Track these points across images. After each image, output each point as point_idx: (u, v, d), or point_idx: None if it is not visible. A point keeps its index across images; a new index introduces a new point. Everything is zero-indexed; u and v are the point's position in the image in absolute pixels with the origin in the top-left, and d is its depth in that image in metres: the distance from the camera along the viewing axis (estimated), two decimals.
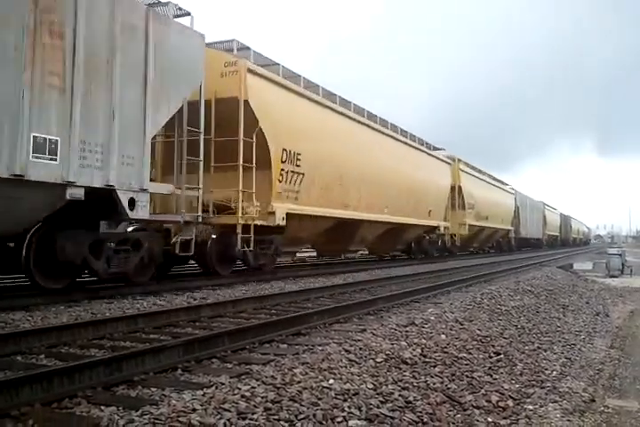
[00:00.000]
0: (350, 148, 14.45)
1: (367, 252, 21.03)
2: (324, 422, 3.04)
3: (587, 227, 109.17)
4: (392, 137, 17.70)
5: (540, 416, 3.93)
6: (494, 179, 33.44)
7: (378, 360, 4.27)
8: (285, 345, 5.27)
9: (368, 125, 16.01)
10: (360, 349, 4.46)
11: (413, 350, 4.73)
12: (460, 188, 24.33)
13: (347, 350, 4.34)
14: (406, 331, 5.38)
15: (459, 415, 3.72)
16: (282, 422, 2.92)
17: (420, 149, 20.28)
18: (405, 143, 18.88)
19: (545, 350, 6.14)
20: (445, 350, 5.00)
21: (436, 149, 22.97)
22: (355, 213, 14.59)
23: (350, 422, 3.12)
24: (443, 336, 5.43)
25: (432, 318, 6.20)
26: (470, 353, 5.17)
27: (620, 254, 19.24)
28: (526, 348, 6.04)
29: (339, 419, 3.12)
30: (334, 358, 4.08)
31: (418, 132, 22.98)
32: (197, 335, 5.11)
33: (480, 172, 29.55)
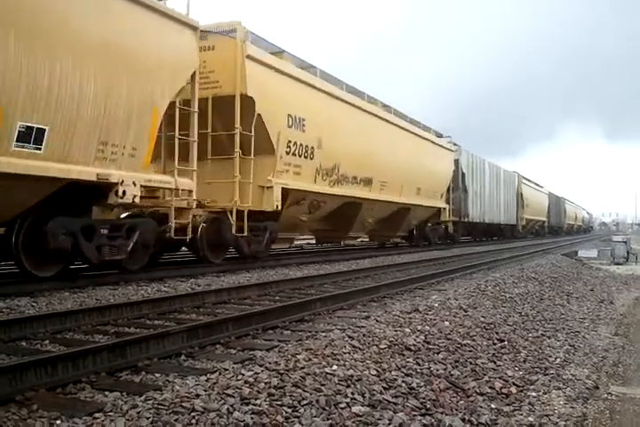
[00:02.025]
0: None
1: None
2: (327, 408, 3.04)
3: (587, 212, 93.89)
4: None
5: (544, 403, 3.93)
6: (407, 119, 18.15)
7: (381, 347, 4.26)
8: (289, 331, 5.30)
9: None
10: (363, 335, 4.45)
11: (417, 336, 4.73)
12: (250, 102, 10.21)
13: (350, 337, 4.34)
14: (410, 318, 5.38)
15: (462, 402, 3.72)
16: (285, 408, 2.92)
17: None
18: None
19: (549, 338, 6.13)
20: (449, 336, 5.00)
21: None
22: None
23: (353, 408, 3.12)
24: (446, 323, 5.42)
25: (436, 304, 6.19)
26: (474, 340, 5.16)
27: (625, 242, 19.16)
28: (530, 335, 6.03)
29: (342, 405, 3.12)
30: (338, 345, 4.08)
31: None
32: (201, 321, 5.13)
33: (353, 91, 14.50)
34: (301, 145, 11.75)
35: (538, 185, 43.36)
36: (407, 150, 17.46)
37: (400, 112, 17.89)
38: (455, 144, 23.14)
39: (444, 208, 21.36)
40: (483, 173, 26.95)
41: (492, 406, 3.75)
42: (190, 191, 9.04)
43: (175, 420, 2.61)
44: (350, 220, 15.05)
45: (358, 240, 19.08)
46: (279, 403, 2.96)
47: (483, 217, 26.46)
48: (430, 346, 4.60)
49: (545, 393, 4.17)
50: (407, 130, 17.88)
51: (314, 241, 19.26)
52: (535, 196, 40.51)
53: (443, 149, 21.28)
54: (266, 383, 3.13)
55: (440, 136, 21.74)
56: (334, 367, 3.59)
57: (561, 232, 54.00)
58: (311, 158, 12.18)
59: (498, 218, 29.68)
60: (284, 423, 2.78)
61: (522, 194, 35.34)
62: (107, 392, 3.35)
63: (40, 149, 6.65)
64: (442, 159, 21.06)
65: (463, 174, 23.70)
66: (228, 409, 2.78)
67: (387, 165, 15.88)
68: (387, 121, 16.37)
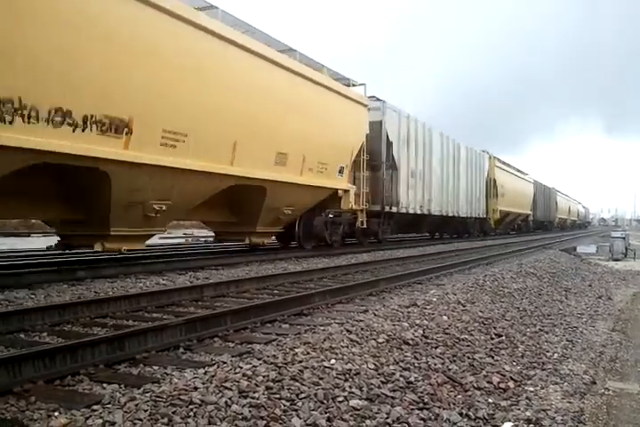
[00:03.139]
0: None
1: None
2: (325, 402, 3.04)
3: (583, 206, 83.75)
4: None
5: (541, 398, 3.94)
6: (272, 42, 10.82)
7: (379, 341, 4.27)
8: (287, 325, 5.30)
9: None
10: (362, 329, 4.45)
11: (415, 331, 4.73)
12: None
13: (348, 331, 4.34)
14: (408, 312, 5.38)
15: (459, 396, 3.73)
16: (283, 401, 2.93)
17: None
18: None
19: (547, 333, 6.14)
20: (447, 331, 5.00)
21: None
22: None
23: (351, 402, 3.12)
24: (444, 318, 5.42)
25: (434, 299, 6.20)
26: (472, 335, 5.17)
27: (623, 238, 19.17)
28: (528, 330, 6.05)
29: (340, 398, 3.13)
30: (336, 338, 4.08)
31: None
32: (199, 314, 5.12)
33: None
34: None
35: (520, 171, 35.49)
36: (248, 84, 9.77)
37: (253, 27, 10.51)
38: (378, 99, 16.03)
39: (346, 191, 13.77)
40: (428, 147, 19.28)
41: (490, 400, 3.76)
42: None
43: (173, 412, 2.61)
44: (93, 203, 7.78)
45: (130, 246, 8.67)
46: (277, 396, 2.96)
47: (427, 207, 19.05)
48: (428, 340, 4.61)
49: (542, 388, 4.18)
50: (256, 53, 9.91)
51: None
52: (514, 183, 32.20)
53: (345, 98, 13.44)
54: (264, 377, 3.14)
55: (349, 85, 14.12)
56: (332, 361, 3.59)
57: (551, 228, 46.68)
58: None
59: (455, 209, 21.94)
60: (282, 416, 2.79)
61: (495, 180, 27.74)
62: (105, 384, 3.35)
63: None
64: (341, 114, 13.25)
65: (390, 144, 16.33)
66: (226, 402, 2.78)
67: (178, 100, 8.16)
68: (191, 23, 8.30)
